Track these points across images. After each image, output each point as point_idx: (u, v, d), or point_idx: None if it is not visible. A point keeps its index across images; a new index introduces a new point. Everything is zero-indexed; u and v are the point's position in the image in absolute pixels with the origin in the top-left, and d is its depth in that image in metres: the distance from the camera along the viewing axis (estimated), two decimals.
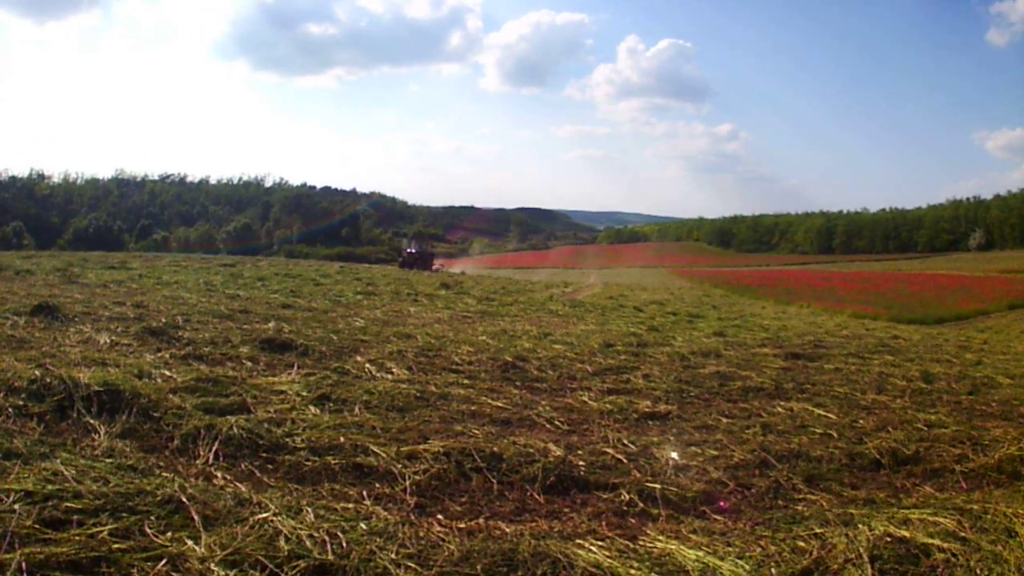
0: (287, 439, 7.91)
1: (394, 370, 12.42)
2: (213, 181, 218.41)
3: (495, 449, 7.94)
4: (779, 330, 24.78)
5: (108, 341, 12.57)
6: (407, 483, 7.00)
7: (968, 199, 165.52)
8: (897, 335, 26.26)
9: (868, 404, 12.15)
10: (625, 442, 8.90)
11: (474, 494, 7.00)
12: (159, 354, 11.82)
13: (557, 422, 9.89)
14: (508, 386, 12.02)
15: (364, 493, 6.70)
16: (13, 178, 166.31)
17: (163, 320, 15.68)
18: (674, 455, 8.53)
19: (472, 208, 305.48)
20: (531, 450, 8.08)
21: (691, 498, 7.21)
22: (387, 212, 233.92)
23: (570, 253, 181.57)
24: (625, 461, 8.13)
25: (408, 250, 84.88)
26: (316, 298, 25.41)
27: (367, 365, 12.56)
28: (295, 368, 11.83)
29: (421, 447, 7.89)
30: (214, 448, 7.52)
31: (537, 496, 7.04)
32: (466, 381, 12.03)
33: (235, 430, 7.84)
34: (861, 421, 10.78)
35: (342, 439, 7.99)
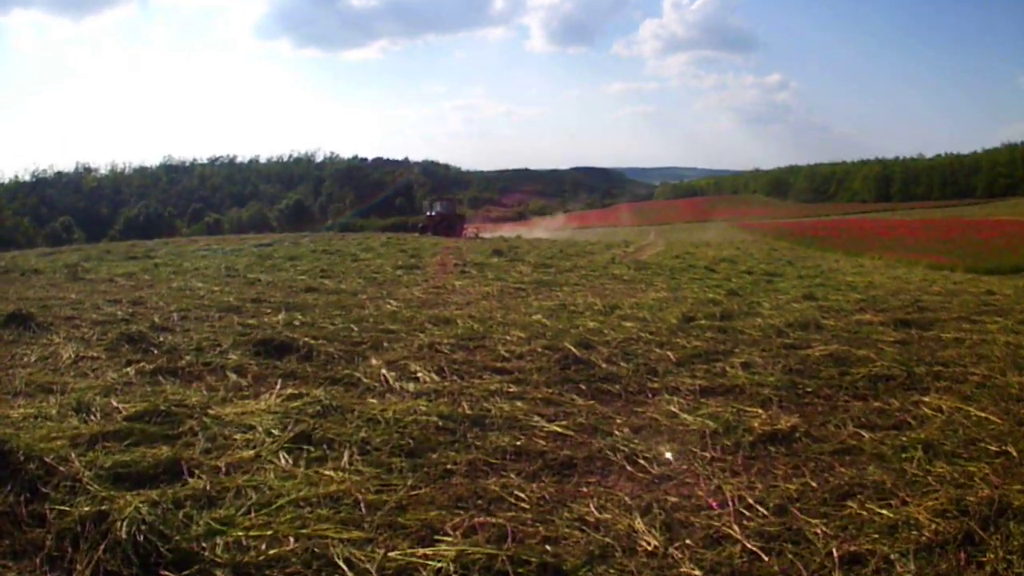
0: (203, 545, 4.96)
1: (419, 374, 9.81)
2: (263, 160, 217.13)
3: (548, 552, 4.92)
4: (867, 288, 22.26)
5: (72, 355, 10.87)
6: None
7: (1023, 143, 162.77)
8: (990, 290, 23.45)
9: (1019, 392, 9.59)
10: (755, 504, 5.90)
11: None
12: (125, 369, 9.99)
13: (641, 460, 6.92)
14: (569, 391, 9.23)
15: None
16: (59, 174, 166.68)
17: (155, 319, 13.83)
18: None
19: (526, 170, 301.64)
20: (607, 539, 5.11)
21: None
22: (440, 179, 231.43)
23: (628, 210, 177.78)
24: (766, 560, 5.08)
25: (430, 213, 70.43)
26: (349, 277, 22.78)
27: (383, 370, 9.90)
28: (278, 386, 9.12)
29: (422, 553, 4.86)
30: (92, 562, 4.81)
31: None
32: (512, 388, 9.25)
33: (124, 532, 4.92)
34: None
35: (293, 540, 5.00)
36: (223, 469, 6.40)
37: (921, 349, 12.32)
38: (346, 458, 6.65)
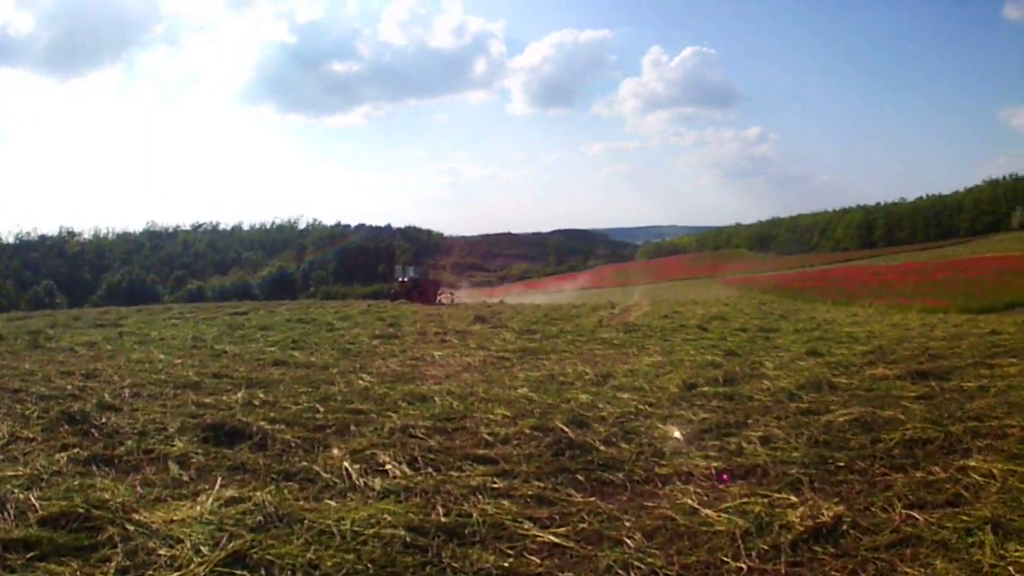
0: None
1: (388, 466, 8.55)
2: (246, 227, 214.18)
3: None
4: (869, 338, 21.64)
5: (6, 435, 10.13)
6: None
7: (1005, 177, 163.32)
8: (994, 330, 23.22)
9: None
10: None
11: None
12: (58, 455, 9.17)
13: None
14: (564, 484, 7.96)
15: None
16: (43, 237, 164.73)
17: (105, 395, 12.95)
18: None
19: (508, 234, 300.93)
20: None
21: None
22: (423, 245, 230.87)
23: (611, 271, 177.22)
24: None
25: (401, 278, 66.48)
26: (322, 348, 21.52)
27: (346, 463, 8.57)
28: (217, 486, 7.78)
29: None
30: None
31: None
32: (497, 483, 7.94)
33: None
34: None
35: None
36: None
37: (948, 403, 11.58)
38: None
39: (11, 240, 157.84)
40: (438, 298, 59.52)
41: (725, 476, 5.94)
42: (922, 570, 5.59)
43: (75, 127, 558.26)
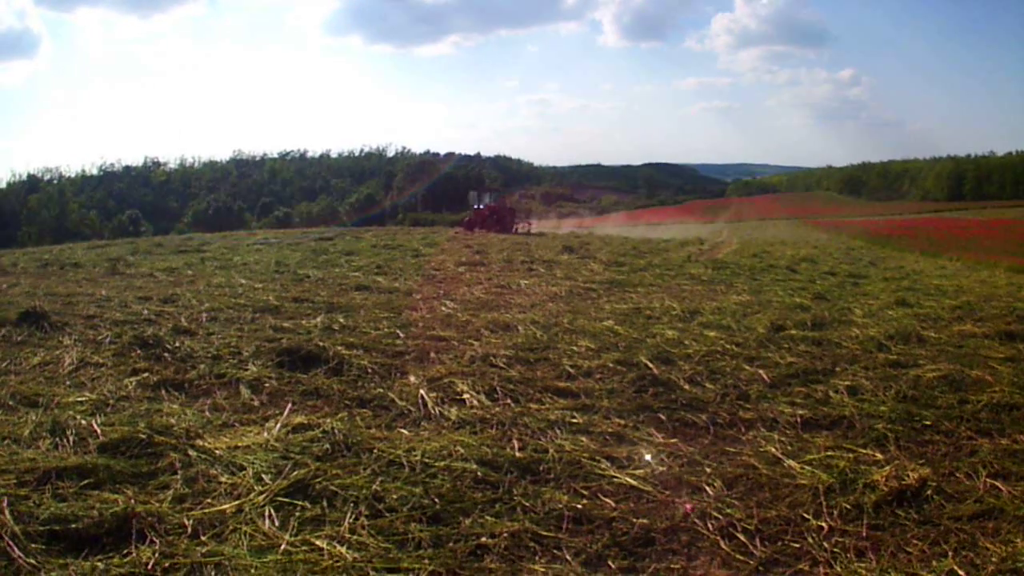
0: None
1: (466, 396, 8.30)
2: (334, 155, 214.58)
3: None
4: (957, 293, 20.45)
5: (75, 361, 9.82)
6: None
7: None
8: None
9: None
10: None
11: None
12: (127, 380, 8.94)
13: (739, 532, 5.34)
14: (645, 423, 7.66)
15: None
16: (127, 168, 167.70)
17: (181, 320, 12.72)
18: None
19: (599, 166, 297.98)
20: None
21: None
22: (513, 174, 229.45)
23: (701, 207, 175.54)
24: None
25: (477, 206, 62.81)
26: (406, 274, 21.26)
27: (422, 391, 8.35)
28: (286, 412, 7.57)
29: None
30: None
31: None
32: (576, 418, 7.67)
33: None
34: None
35: None
36: (188, 529, 5.14)
37: None
38: (348, 522, 5.15)
39: (95, 172, 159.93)
40: (515, 227, 58.22)
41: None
42: (1003, 547, 5.23)
43: (159, 61, 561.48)
